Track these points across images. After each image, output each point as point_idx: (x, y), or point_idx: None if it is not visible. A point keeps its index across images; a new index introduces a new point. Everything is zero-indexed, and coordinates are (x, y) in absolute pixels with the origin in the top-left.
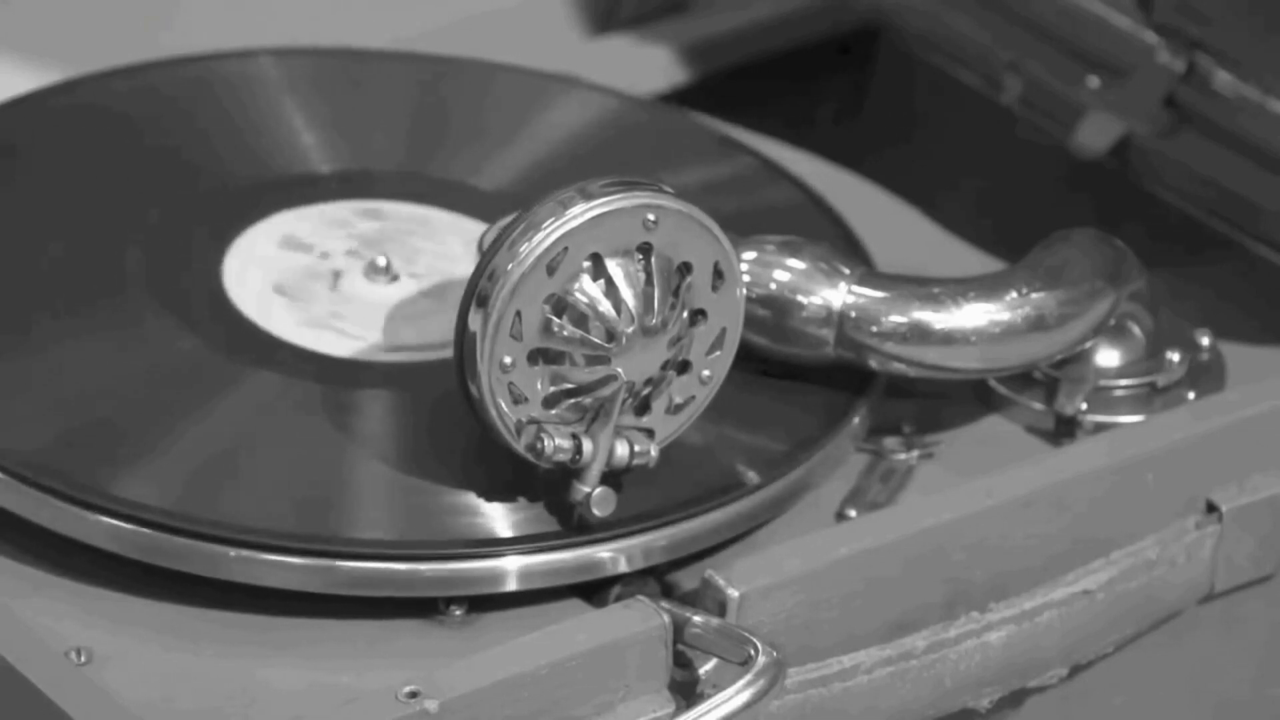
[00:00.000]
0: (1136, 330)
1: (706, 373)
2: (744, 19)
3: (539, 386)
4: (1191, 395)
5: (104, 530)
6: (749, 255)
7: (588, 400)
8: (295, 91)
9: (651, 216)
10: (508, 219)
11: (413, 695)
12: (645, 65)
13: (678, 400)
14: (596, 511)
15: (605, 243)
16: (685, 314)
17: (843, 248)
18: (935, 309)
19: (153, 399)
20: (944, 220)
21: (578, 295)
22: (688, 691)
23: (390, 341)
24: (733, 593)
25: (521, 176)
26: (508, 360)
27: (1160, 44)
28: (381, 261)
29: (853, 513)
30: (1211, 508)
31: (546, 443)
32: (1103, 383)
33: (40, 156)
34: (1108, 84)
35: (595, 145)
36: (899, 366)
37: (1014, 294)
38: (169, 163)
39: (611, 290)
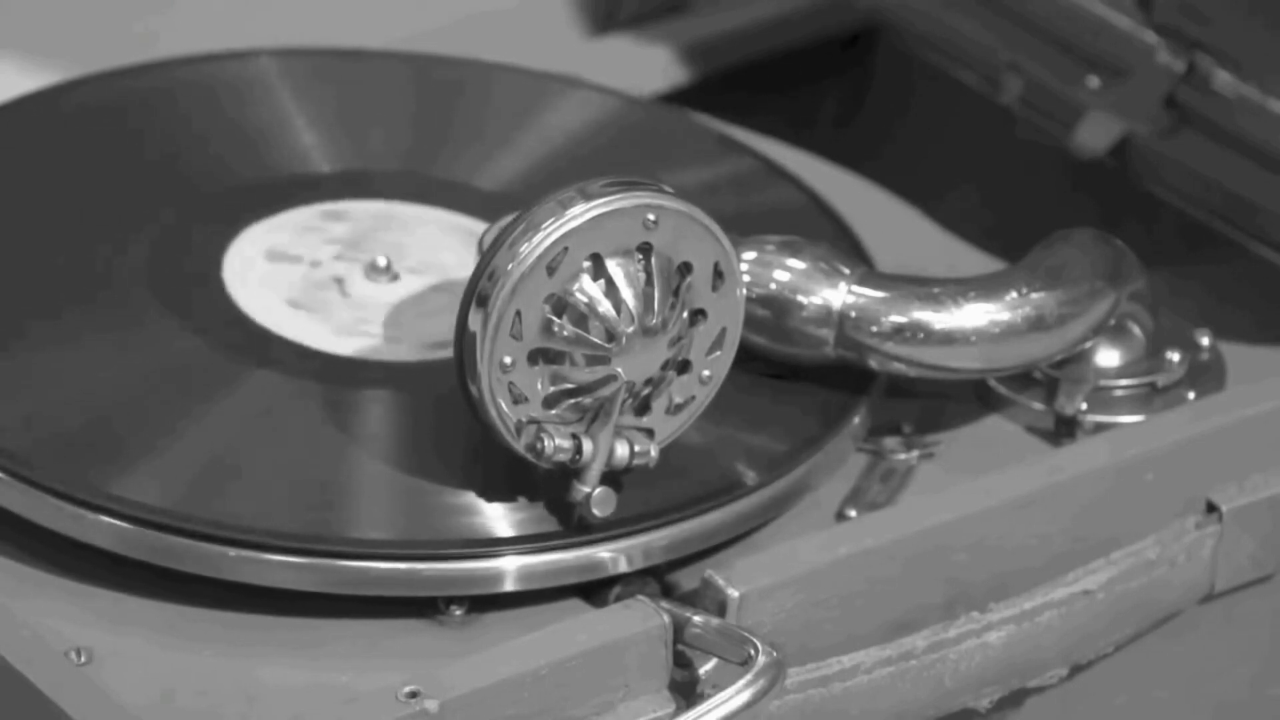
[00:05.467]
0: (1136, 330)
1: (706, 373)
2: (744, 19)
3: (539, 386)
4: (1191, 395)
5: (104, 530)
6: (749, 255)
7: (588, 400)
8: (295, 92)
9: (651, 216)
10: (508, 219)
11: (413, 695)
12: (645, 65)
13: (678, 400)
14: (596, 512)
15: (605, 243)
16: (685, 314)
17: (843, 248)
18: (935, 309)
19: (153, 399)
20: (944, 220)
21: (578, 295)
22: (688, 691)
23: (390, 341)
24: (733, 593)
25: (522, 176)
26: (508, 360)
27: (1160, 44)
28: (382, 261)
29: (853, 513)
30: (1211, 508)
31: (546, 443)
32: (1103, 383)
33: (41, 157)
34: (1108, 84)
35: (595, 145)
36: (899, 366)
37: (1014, 294)
38: (169, 163)
39: (611, 290)
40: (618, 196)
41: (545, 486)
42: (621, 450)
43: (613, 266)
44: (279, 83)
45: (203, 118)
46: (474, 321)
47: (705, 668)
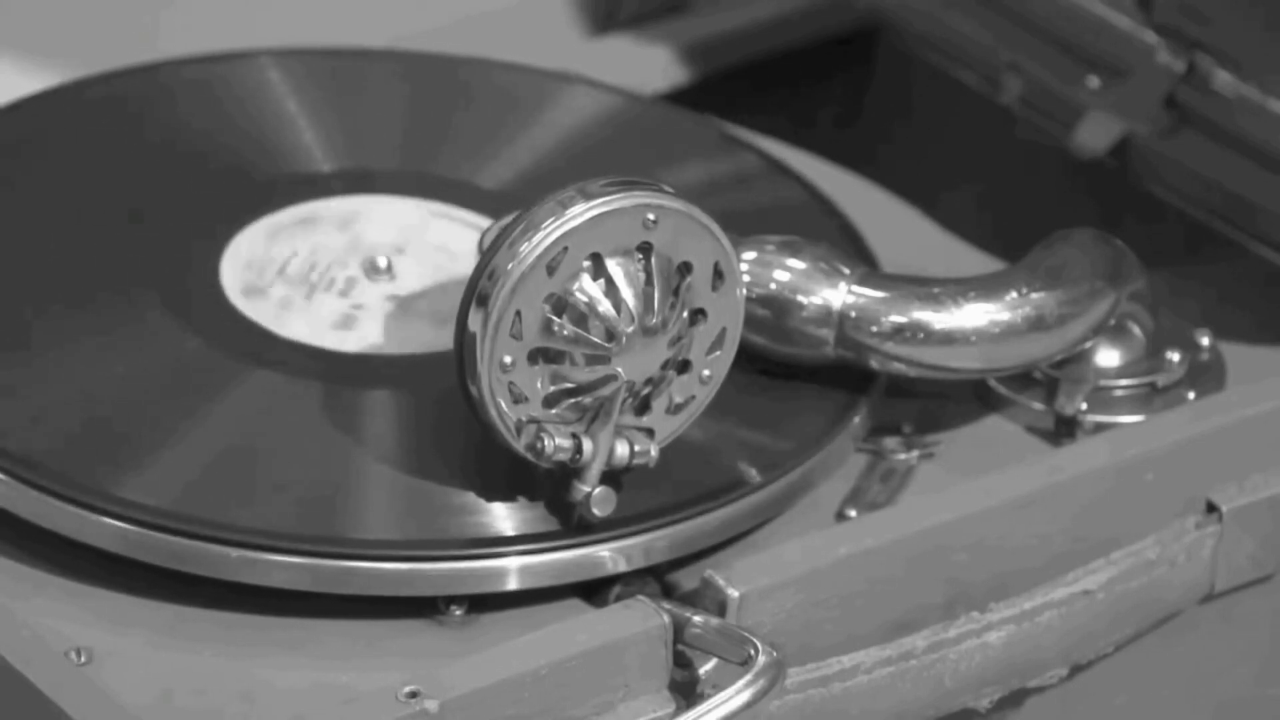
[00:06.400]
0: (1136, 330)
1: (706, 372)
2: (744, 19)
3: (539, 386)
4: (1191, 395)
5: (104, 530)
6: (749, 255)
7: (588, 400)
8: (295, 91)
9: (651, 216)
10: (508, 219)
11: (413, 695)
12: (645, 65)
13: (678, 400)
14: (596, 511)
15: (605, 242)
16: (685, 313)
17: (846, 247)
18: (935, 309)
19: (153, 398)
20: (944, 220)
21: (578, 295)
22: (688, 691)
23: (390, 341)
24: (733, 593)
25: (523, 174)
26: (508, 360)
27: (1160, 44)
28: (382, 261)
29: (853, 513)
30: (1211, 508)
31: (546, 442)
32: (1103, 383)
33: (41, 157)
34: (1108, 84)
35: (597, 143)
36: (899, 366)
37: (1014, 294)
38: (170, 162)
39: (611, 290)
40: (617, 196)
41: (545, 486)
42: (621, 450)
43: (613, 266)
44: (279, 82)
45: (203, 117)
46: (474, 321)
47: (705, 668)
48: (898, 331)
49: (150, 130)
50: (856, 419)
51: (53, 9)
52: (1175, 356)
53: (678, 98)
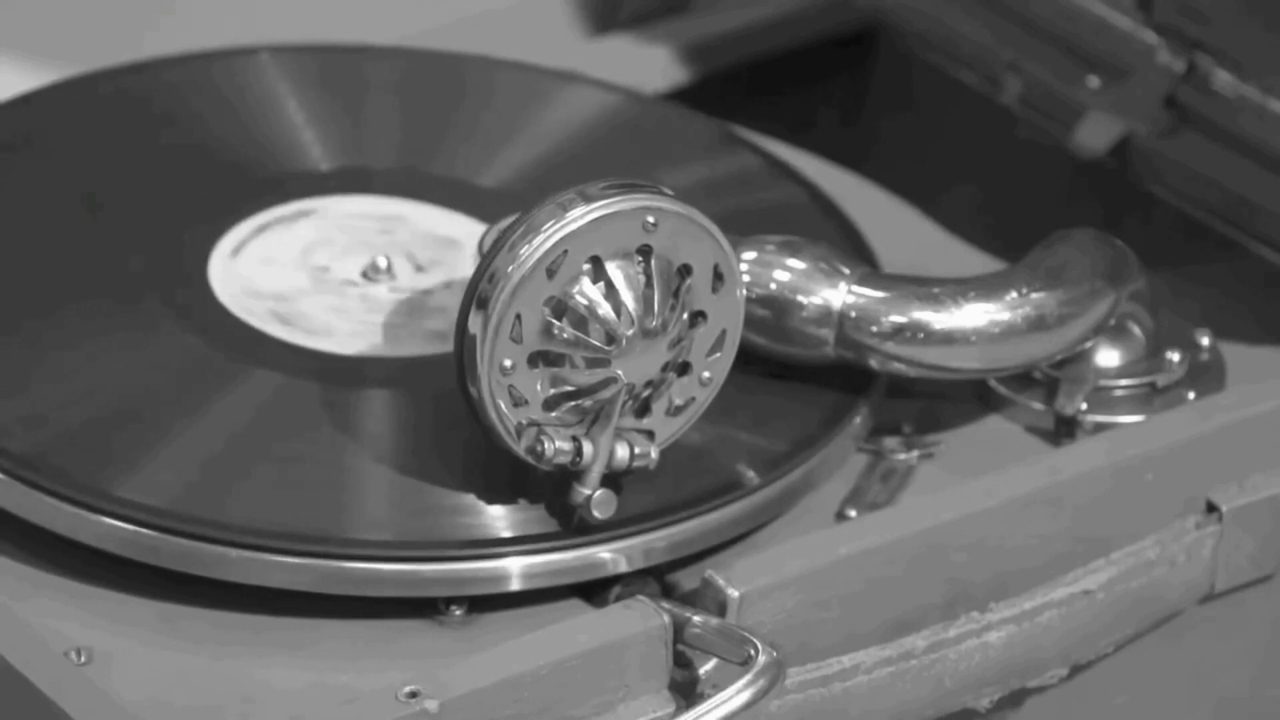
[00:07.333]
0: (1136, 330)
1: (707, 374)
2: (744, 19)
3: (539, 389)
4: (1191, 395)
5: (104, 530)
6: (749, 255)
7: (588, 403)
8: (295, 89)
9: (651, 219)
10: (507, 221)
11: (413, 695)
12: (645, 65)
13: (678, 402)
14: (597, 514)
15: (605, 245)
16: (685, 316)
17: (846, 247)
18: (935, 309)
19: (153, 398)
20: (944, 220)
21: (578, 298)
22: (688, 691)
23: (389, 341)
24: (733, 593)
25: (523, 173)
26: (508, 363)
27: (1160, 44)
28: (382, 261)
29: (853, 513)
30: (1211, 508)
31: (547, 445)
32: (1103, 383)
33: (39, 155)
34: (1108, 84)
35: (597, 142)
36: (899, 366)
37: (1014, 294)
38: (169, 161)
39: (611, 293)
40: (617, 199)
41: (545, 487)
42: (622, 452)
43: (612, 269)
44: (279, 80)
45: (202, 115)
46: (474, 324)
47: (705, 668)
48: (898, 331)
49: (149, 127)
50: (856, 419)
51: (53, 9)
52: (1175, 356)
53: (678, 98)
